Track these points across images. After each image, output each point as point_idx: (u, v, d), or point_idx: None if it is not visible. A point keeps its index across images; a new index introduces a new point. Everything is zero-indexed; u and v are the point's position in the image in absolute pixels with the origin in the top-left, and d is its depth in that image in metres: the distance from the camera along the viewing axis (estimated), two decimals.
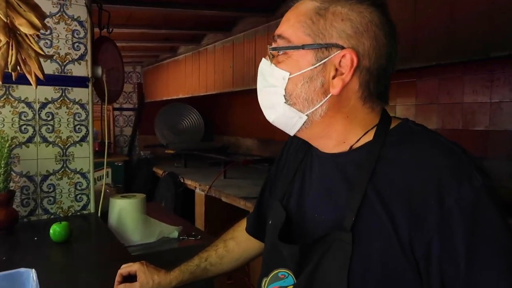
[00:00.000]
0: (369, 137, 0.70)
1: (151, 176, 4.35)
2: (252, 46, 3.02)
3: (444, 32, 1.77)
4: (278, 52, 0.70)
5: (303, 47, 0.67)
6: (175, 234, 1.70)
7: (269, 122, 0.78)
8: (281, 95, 0.70)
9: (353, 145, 0.71)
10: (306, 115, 0.70)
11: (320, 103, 0.68)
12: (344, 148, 0.72)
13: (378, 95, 0.70)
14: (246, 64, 3.10)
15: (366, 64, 0.67)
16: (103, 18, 1.84)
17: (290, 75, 0.69)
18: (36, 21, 1.04)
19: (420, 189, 0.60)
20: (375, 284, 0.62)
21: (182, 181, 3.54)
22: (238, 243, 1.03)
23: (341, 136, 0.72)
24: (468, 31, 1.68)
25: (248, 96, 4.03)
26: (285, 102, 0.70)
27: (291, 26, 0.69)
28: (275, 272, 0.74)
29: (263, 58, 0.75)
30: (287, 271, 0.72)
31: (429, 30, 1.85)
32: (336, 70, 0.67)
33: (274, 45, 0.72)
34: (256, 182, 3.09)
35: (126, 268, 0.98)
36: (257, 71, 0.76)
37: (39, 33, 1.05)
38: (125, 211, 1.65)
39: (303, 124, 0.71)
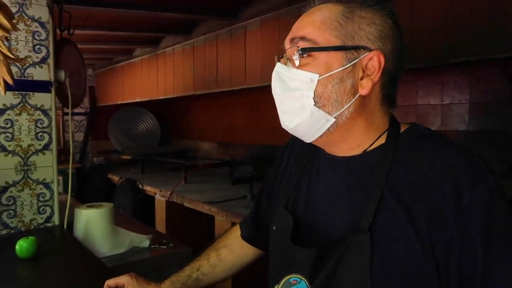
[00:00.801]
0: (382, 140, 0.72)
1: (106, 183, 4.18)
2: (214, 50, 3.00)
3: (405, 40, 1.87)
4: (301, 55, 0.69)
5: (333, 48, 0.68)
6: (146, 243, 1.64)
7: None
8: (310, 97, 0.69)
9: (367, 148, 0.73)
10: (334, 117, 0.70)
11: (348, 104, 0.69)
12: (358, 151, 0.74)
13: (392, 97, 0.73)
14: (207, 67, 3.07)
15: (388, 66, 0.70)
16: (63, 19, 1.75)
17: (319, 76, 0.68)
18: (5, 22, 0.96)
19: (437, 190, 0.62)
20: (397, 284, 0.63)
21: (141, 187, 3.44)
22: (231, 251, 1.01)
23: (357, 140, 0.73)
24: (427, 39, 1.79)
25: (208, 99, 4.00)
26: (314, 105, 0.69)
27: (317, 29, 0.69)
28: (287, 278, 0.73)
29: (278, 63, 0.74)
30: (299, 276, 0.71)
31: None
32: (363, 71, 0.69)
33: (294, 48, 0.70)
34: (217, 186, 3.07)
35: (114, 280, 0.94)
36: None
37: (8, 35, 0.97)
38: (92, 221, 1.57)
39: (329, 127, 0.71)
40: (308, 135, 0.73)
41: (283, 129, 0.77)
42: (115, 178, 3.87)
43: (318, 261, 0.68)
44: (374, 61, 0.68)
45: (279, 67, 0.73)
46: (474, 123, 2.20)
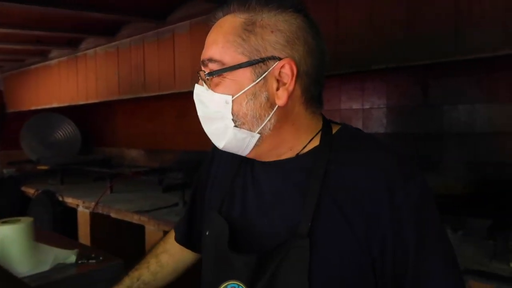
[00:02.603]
0: (315, 142, 0.72)
1: (19, 197, 3.81)
2: (141, 53, 2.89)
3: (331, 46, 1.97)
4: (213, 76, 0.68)
5: (240, 66, 0.66)
6: (72, 258, 1.52)
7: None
8: (229, 118, 0.68)
9: (300, 151, 0.72)
10: (258, 132, 0.69)
11: (268, 118, 0.68)
12: (291, 154, 0.73)
13: (317, 97, 0.72)
14: (134, 71, 2.95)
15: (304, 69, 0.68)
16: None
17: (233, 97, 0.67)
18: None
19: (372, 188, 0.64)
20: (337, 286, 0.63)
21: (61, 199, 3.20)
22: (172, 256, 0.97)
23: (288, 144, 0.72)
24: (352, 46, 1.90)
25: (133, 104, 3.85)
26: (234, 126, 0.68)
27: (221, 48, 0.67)
28: (225, 285, 0.71)
29: (196, 85, 0.72)
30: (237, 283, 0.69)
31: None
32: (278, 81, 0.67)
33: (206, 70, 0.69)
34: (146, 195, 2.96)
35: None
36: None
37: None
38: (9, 239, 1.42)
39: (256, 142, 0.70)
40: (240, 152, 0.73)
41: None
42: (30, 191, 3.56)
43: (257, 268, 0.67)
44: (286, 69, 0.66)
45: (197, 89, 0.72)
46: (391, 126, 2.39)
